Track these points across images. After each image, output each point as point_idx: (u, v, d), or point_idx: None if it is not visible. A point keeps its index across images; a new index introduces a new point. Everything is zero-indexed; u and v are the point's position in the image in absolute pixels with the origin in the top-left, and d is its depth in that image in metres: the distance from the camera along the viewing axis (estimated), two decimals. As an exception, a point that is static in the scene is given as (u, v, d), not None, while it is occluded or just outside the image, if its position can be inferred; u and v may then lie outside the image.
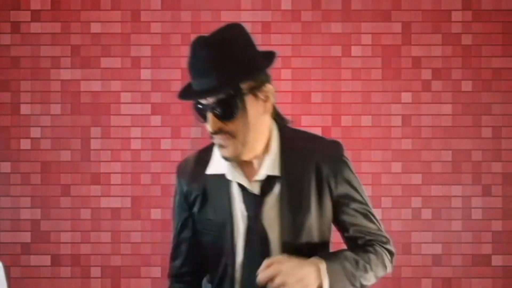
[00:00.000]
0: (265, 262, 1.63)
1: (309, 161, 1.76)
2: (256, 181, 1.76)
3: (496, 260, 3.51)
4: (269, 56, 1.72)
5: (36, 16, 3.51)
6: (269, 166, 1.75)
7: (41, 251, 3.52)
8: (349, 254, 1.75)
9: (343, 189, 1.79)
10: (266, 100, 1.71)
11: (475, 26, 3.53)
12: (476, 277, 3.52)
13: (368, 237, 1.82)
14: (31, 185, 3.51)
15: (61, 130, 3.51)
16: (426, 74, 3.53)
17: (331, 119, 3.52)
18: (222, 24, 1.69)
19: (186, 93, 1.69)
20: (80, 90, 3.51)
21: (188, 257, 1.91)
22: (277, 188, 1.76)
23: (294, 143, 1.78)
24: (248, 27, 1.72)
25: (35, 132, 3.51)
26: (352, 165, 1.82)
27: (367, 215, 1.83)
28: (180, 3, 3.52)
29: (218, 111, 1.66)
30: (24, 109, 3.51)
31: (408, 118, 3.53)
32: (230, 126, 1.68)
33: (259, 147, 1.75)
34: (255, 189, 1.77)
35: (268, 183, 1.76)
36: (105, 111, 3.51)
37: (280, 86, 3.08)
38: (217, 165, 1.81)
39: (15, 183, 3.52)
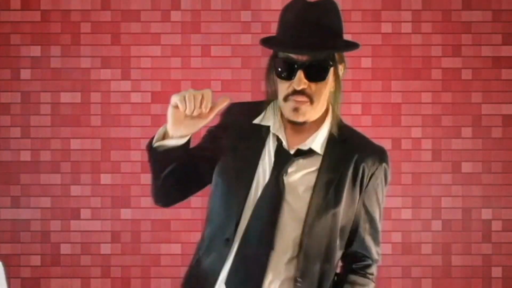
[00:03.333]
0: None
1: (352, 155, 1.82)
2: (296, 148, 1.82)
3: None
4: (353, 42, 1.81)
5: None
6: (317, 141, 1.81)
7: (41, 251, 3.52)
8: None
9: (368, 201, 1.85)
10: (338, 77, 1.80)
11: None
12: None
13: (364, 262, 1.90)
14: (31, 185, 3.52)
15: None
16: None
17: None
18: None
19: (291, 45, 1.72)
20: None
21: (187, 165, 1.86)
22: (310, 164, 1.80)
23: (344, 132, 1.85)
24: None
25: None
26: (389, 176, 1.88)
27: (375, 236, 1.90)
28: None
29: (311, 70, 1.72)
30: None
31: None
32: (313, 89, 1.74)
33: (318, 116, 1.82)
34: (291, 151, 1.81)
35: (304, 153, 1.81)
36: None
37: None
38: (265, 118, 1.85)
39: (16, 183, 3.52)
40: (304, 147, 1.81)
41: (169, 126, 1.75)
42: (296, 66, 1.72)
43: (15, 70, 3.49)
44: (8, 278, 2.30)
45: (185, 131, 1.75)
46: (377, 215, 1.88)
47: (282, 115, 1.83)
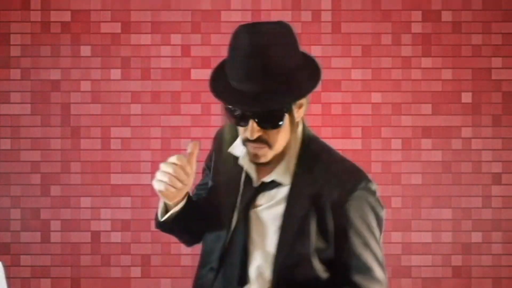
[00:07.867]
0: None
1: (318, 184, 1.65)
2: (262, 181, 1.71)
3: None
4: (315, 74, 1.61)
5: None
6: (280, 171, 1.67)
7: (41, 251, 3.52)
8: None
9: (354, 230, 1.63)
10: (300, 107, 1.64)
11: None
12: None
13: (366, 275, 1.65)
14: (31, 185, 3.52)
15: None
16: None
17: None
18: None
19: (232, 97, 1.56)
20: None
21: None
22: (278, 194, 1.68)
23: (315, 157, 1.68)
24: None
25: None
26: (373, 200, 1.66)
27: (374, 256, 1.65)
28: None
29: (263, 120, 1.58)
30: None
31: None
32: (269, 135, 1.60)
33: (281, 150, 1.67)
34: (257, 183, 1.71)
35: (270, 185, 1.69)
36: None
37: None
38: (236, 146, 1.74)
39: (16, 183, 3.52)
40: (267, 179, 1.68)
41: (165, 201, 1.68)
42: (247, 115, 1.57)
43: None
44: (8, 278, 2.31)
45: (181, 195, 1.65)
46: (371, 240, 1.64)
47: None
